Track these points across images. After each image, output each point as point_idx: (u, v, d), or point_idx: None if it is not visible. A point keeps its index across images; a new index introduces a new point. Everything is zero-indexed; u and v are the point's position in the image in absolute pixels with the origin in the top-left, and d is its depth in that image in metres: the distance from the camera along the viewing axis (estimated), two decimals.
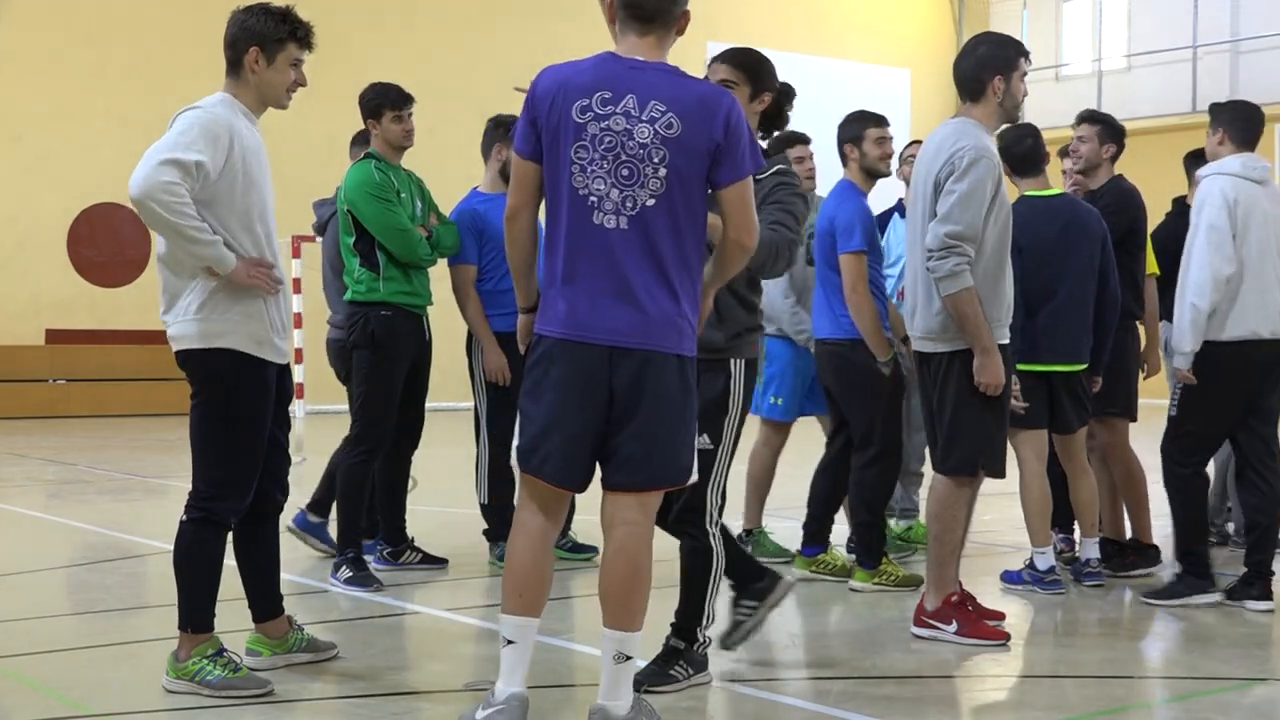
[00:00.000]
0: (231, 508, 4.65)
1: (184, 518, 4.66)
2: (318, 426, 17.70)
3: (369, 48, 21.04)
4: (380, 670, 5.06)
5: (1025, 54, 5.52)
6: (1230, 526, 7.78)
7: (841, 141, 6.65)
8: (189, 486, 4.71)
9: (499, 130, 6.93)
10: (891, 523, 7.57)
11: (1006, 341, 5.38)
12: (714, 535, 4.73)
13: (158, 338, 20.49)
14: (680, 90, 3.95)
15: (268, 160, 4.79)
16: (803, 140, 6.90)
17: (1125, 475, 6.87)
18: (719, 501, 4.71)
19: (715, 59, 4.90)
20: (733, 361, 4.67)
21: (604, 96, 3.94)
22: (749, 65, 4.85)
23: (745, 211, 3.99)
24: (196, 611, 4.66)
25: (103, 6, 20.03)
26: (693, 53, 27.04)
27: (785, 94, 5.05)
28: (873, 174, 6.60)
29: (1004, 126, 5.89)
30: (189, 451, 4.69)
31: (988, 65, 5.42)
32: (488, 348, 6.78)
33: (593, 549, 7.22)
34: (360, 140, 7.34)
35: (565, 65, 4.07)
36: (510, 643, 4.05)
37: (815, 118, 29.79)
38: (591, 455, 3.99)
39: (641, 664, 3.97)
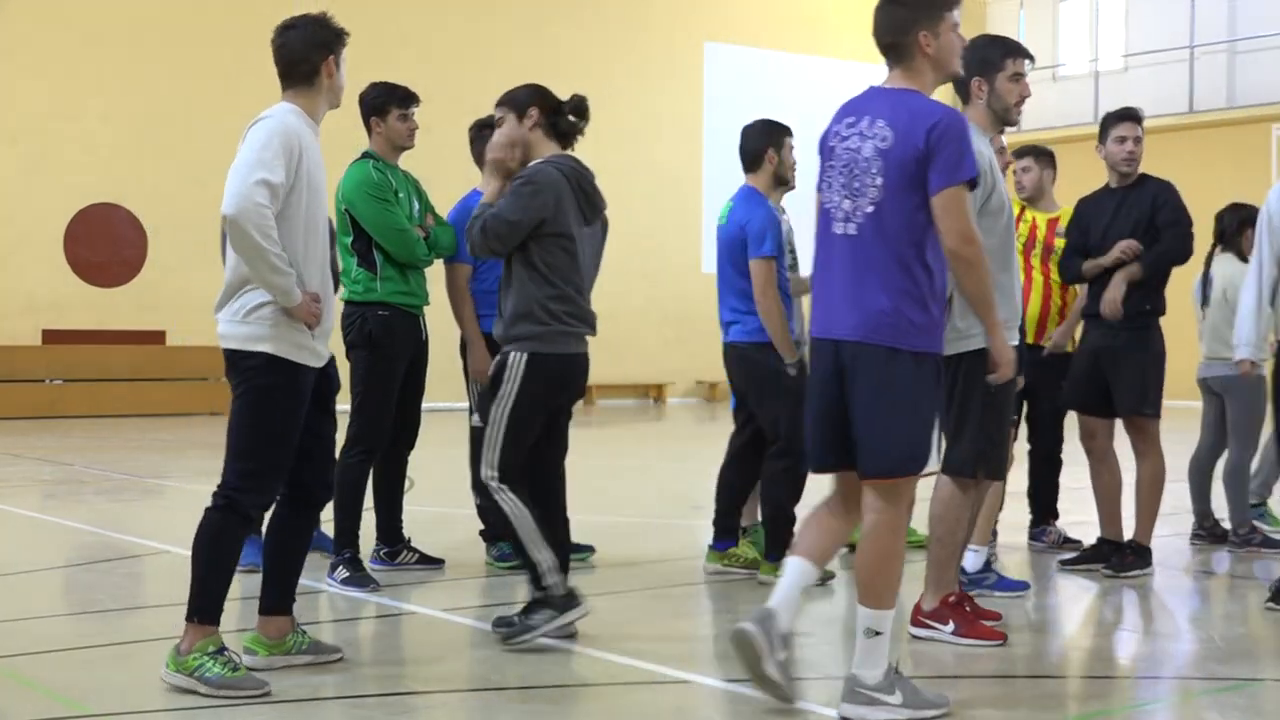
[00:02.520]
0: (255, 501, 4.75)
1: (209, 506, 4.74)
2: None
3: (367, 48, 21.02)
4: (377, 670, 5.05)
5: (1016, 54, 5.51)
6: (1227, 523, 7.79)
7: (760, 147, 6.77)
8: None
9: (486, 132, 6.95)
10: None
11: (1016, 343, 5.39)
12: (502, 499, 5.29)
13: (154, 338, 20.60)
14: (900, 108, 4.37)
15: (324, 172, 4.89)
16: (785, 132, 6.93)
17: (1152, 475, 6.85)
18: (491, 473, 5.28)
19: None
20: (511, 354, 5.27)
21: (850, 121, 4.44)
22: (505, 97, 5.47)
23: (947, 219, 4.30)
24: (207, 601, 4.68)
25: (100, 6, 20.02)
26: (692, 53, 27.23)
27: (567, 105, 5.52)
28: (781, 182, 6.81)
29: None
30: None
31: (968, 68, 5.43)
32: (475, 348, 6.78)
33: (589, 548, 7.23)
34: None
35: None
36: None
37: (813, 118, 29.58)
38: (836, 442, 4.39)
39: (885, 641, 4.29)
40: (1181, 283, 7.78)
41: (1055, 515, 7.68)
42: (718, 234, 6.78)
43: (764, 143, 6.76)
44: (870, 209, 4.31)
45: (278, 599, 4.95)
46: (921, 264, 4.30)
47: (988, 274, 4.54)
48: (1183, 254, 6.89)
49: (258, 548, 6.59)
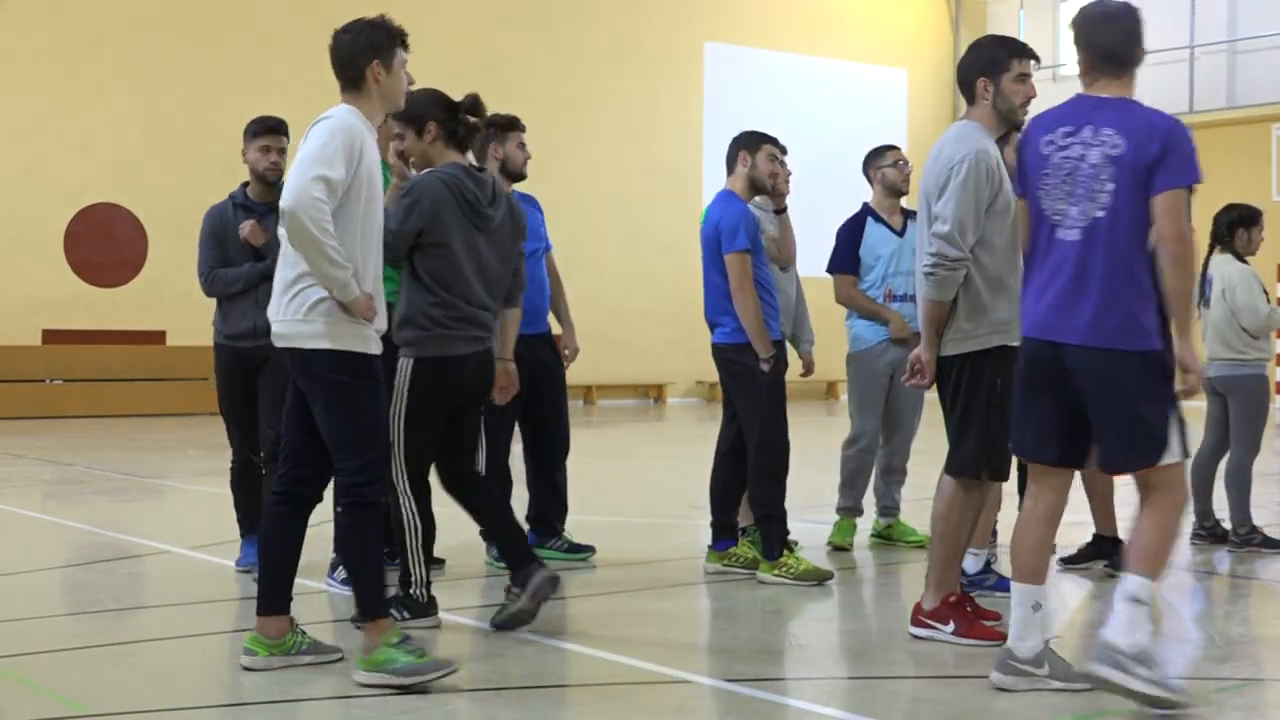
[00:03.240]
0: (379, 489, 4.83)
1: (338, 510, 4.81)
2: None
3: None
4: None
5: (1022, 55, 5.50)
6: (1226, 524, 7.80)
7: (734, 151, 6.88)
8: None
9: (491, 130, 6.94)
10: (874, 520, 7.75)
11: (1017, 344, 5.39)
12: (404, 505, 5.51)
13: (154, 338, 20.63)
14: (1130, 116, 4.57)
15: (380, 174, 4.94)
16: (772, 141, 6.94)
17: None
18: (399, 480, 5.48)
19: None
20: (400, 360, 5.45)
21: (1067, 130, 4.65)
22: (401, 115, 5.46)
23: (1168, 219, 4.47)
24: (373, 598, 4.78)
25: (99, 7, 20.03)
26: (692, 53, 27.23)
27: (463, 106, 5.72)
28: (756, 187, 6.87)
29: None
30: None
31: (974, 68, 5.45)
32: None
33: (589, 548, 7.23)
34: None
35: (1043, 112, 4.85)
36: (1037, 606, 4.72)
37: (813, 118, 29.80)
38: (1057, 438, 4.69)
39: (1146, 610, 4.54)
40: None
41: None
42: (700, 238, 6.82)
43: (738, 147, 6.88)
44: (1100, 214, 4.53)
45: (275, 599, 4.94)
46: (1146, 266, 4.53)
47: (1194, 272, 4.73)
48: None
49: (251, 550, 6.63)
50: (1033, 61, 5.56)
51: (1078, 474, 7.17)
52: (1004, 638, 5.34)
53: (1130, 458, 4.58)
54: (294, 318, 4.74)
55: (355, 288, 4.67)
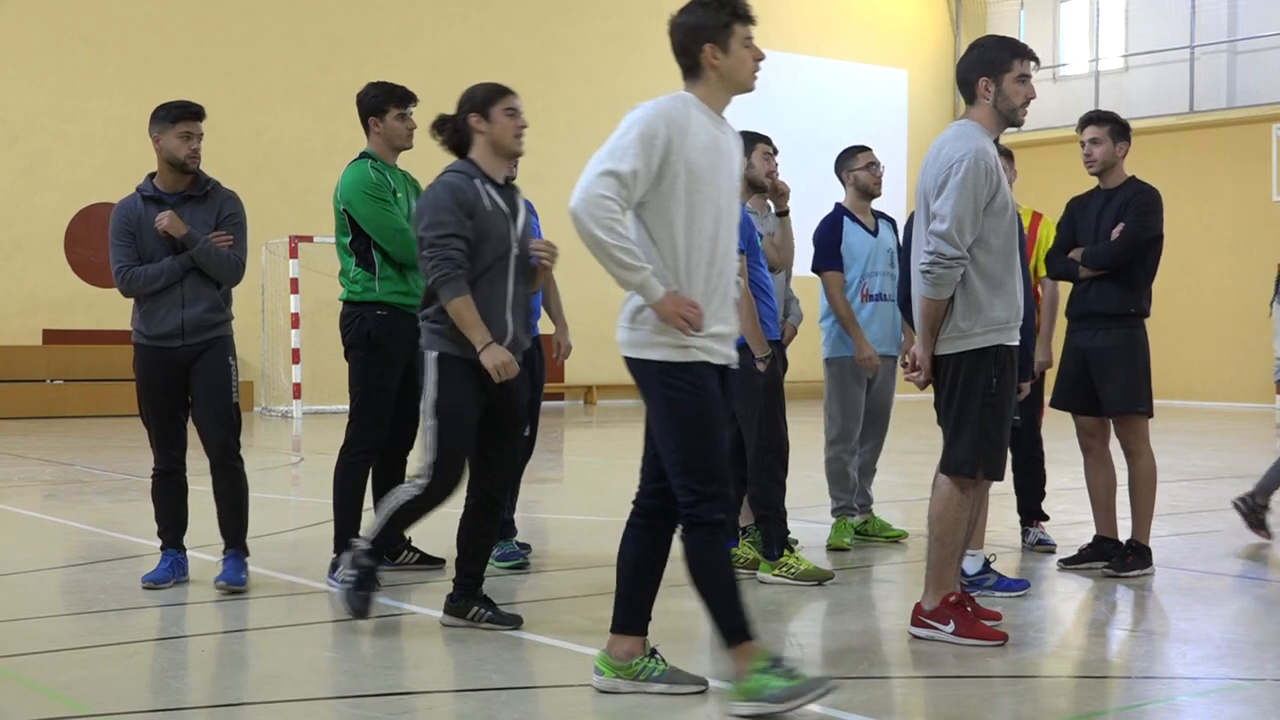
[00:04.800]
0: (718, 506, 4.45)
1: (683, 534, 4.50)
2: (316, 427, 17.70)
3: (368, 48, 21.05)
4: (377, 670, 5.06)
5: (1023, 55, 5.50)
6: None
7: None
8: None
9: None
10: (851, 518, 7.79)
11: (1015, 344, 5.40)
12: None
13: None
14: None
15: (733, 164, 4.60)
16: (764, 140, 6.94)
17: (1144, 474, 6.86)
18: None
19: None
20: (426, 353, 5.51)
21: None
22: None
23: None
24: (733, 621, 4.44)
25: (99, 6, 20.02)
26: None
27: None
28: (754, 186, 6.92)
29: None
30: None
31: (975, 68, 5.45)
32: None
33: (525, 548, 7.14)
34: None
35: None
36: None
37: (813, 118, 29.80)
38: None
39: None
40: (1175, 289, 7.77)
41: (1042, 517, 7.67)
42: None
43: None
44: None
45: (625, 617, 4.66)
46: None
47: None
48: (1118, 255, 6.80)
49: (169, 566, 6.44)
50: (1033, 63, 5.56)
51: (1080, 474, 7.21)
52: (1004, 638, 5.35)
53: None
54: (623, 324, 4.50)
55: (657, 288, 4.34)
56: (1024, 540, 7.64)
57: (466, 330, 5.40)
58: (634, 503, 4.68)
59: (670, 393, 4.44)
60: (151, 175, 6.48)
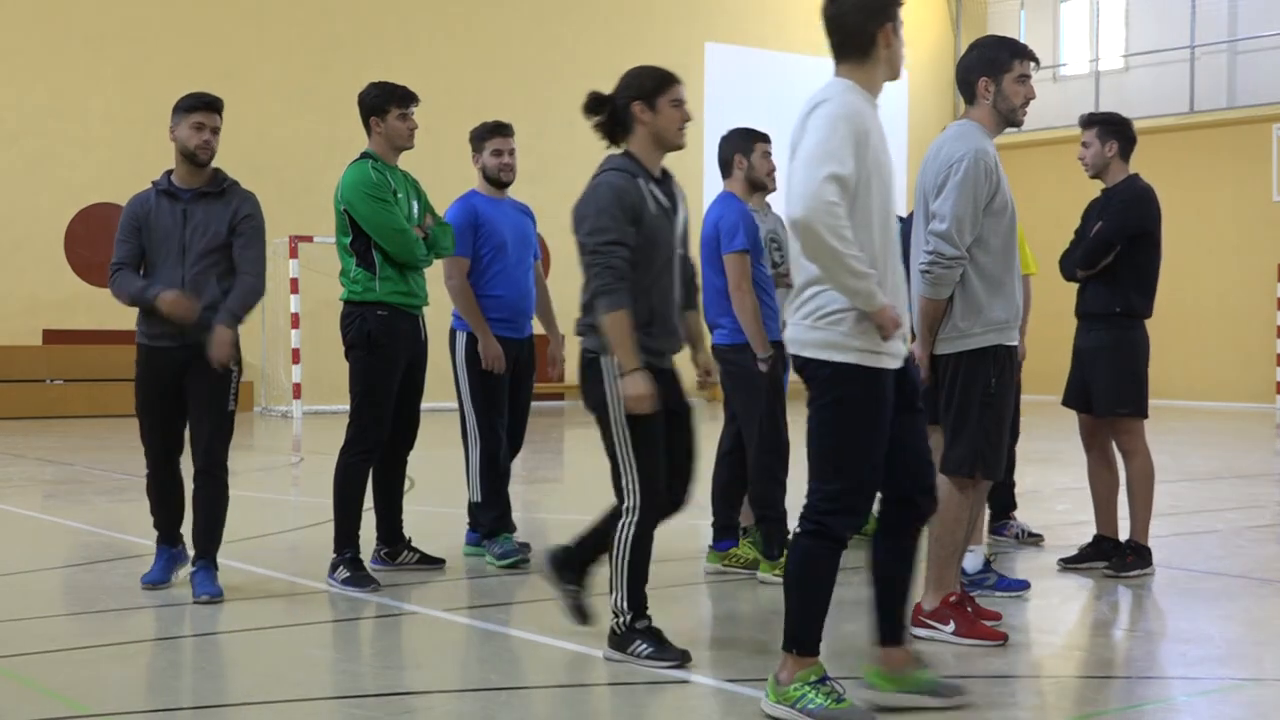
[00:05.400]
0: (846, 523, 4.35)
1: (798, 531, 4.40)
2: (316, 427, 17.70)
3: (367, 48, 21.04)
4: (377, 670, 5.06)
5: (1023, 56, 5.50)
6: None
7: (730, 153, 6.85)
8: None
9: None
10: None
11: (1015, 344, 5.40)
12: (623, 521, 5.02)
13: None
14: None
15: (890, 155, 4.39)
16: (763, 138, 6.95)
17: (1140, 474, 6.87)
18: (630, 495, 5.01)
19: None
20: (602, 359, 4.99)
21: None
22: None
23: None
24: (805, 632, 4.35)
25: (99, 6, 20.02)
26: (692, 53, 27.13)
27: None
28: (756, 186, 6.87)
29: None
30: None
31: (975, 68, 5.46)
32: (484, 337, 6.92)
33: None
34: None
35: None
36: None
37: None
38: None
39: None
40: (1175, 288, 7.77)
41: (1013, 506, 7.89)
42: (700, 239, 6.83)
43: (732, 149, 6.86)
44: None
45: (888, 627, 4.52)
46: None
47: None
48: (1089, 254, 6.82)
49: (165, 563, 6.32)
50: (1033, 63, 5.57)
51: (1082, 474, 7.20)
52: (1005, 638, 5.35)
53: None
54: (802, 321, 4.32)
55: (880, 297, 4.18)
56: (1005, 533, 7.76)
57: (617, 348, 4.87)
58: (803, 514, 4.45)
59: (849, 396, 4.28)
60: (169, 172, 6.35)
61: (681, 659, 4.94)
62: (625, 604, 4.99)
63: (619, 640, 5.01)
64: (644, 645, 4.97)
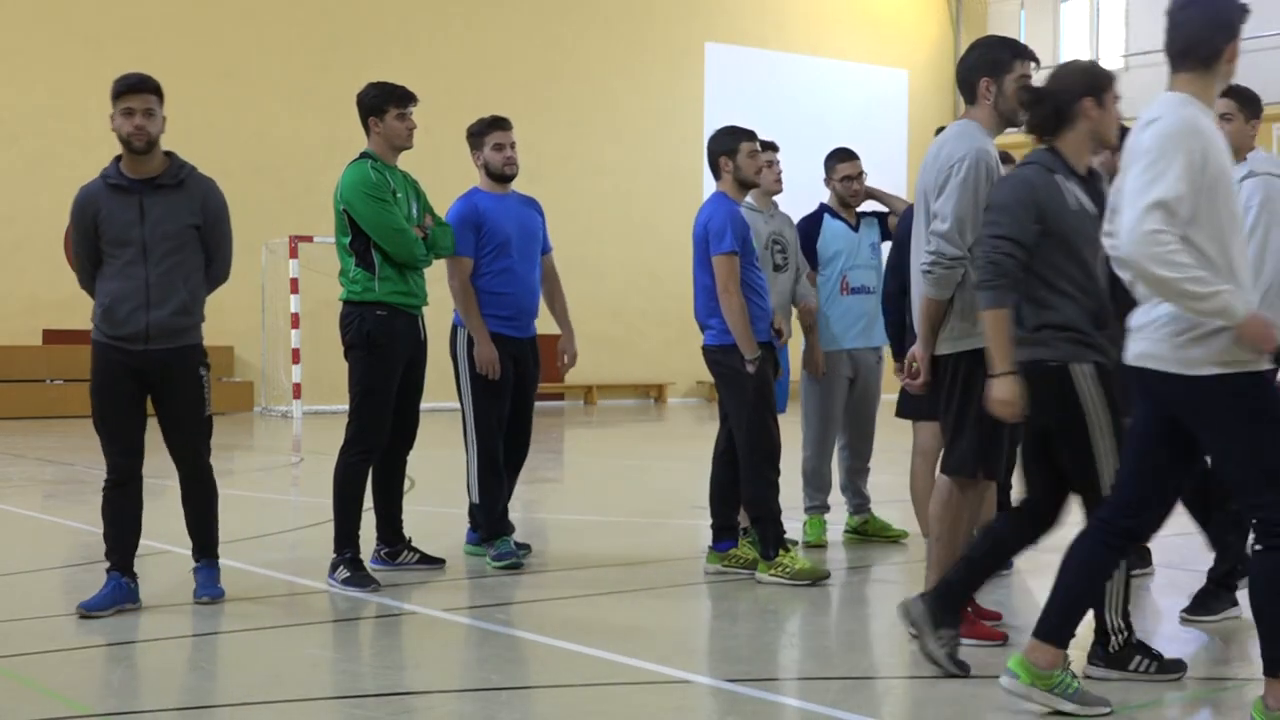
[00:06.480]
0: (1146, 527, 4.42)
1: (1256, 549, 4.25)
2: (316, 427, 17.70)
3: (367, 48, 21.04)
4: (377, 670, 5.06)
5: (1023, 56, 5.50)
6: None
7: (716, 154, 6.84)
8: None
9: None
10: (848, 517, 7.87)
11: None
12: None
13: None
14: None
15: (1229, 160, 4.25)
16: (749, 136, 6.94)
17: None
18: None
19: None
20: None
21: None
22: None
23: None
24: (1065, 628, 4.43)
25: (99, 6, 20.02)
26: (692, 53, 27.16)
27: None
28: (745, 185, 6.86)
29: None
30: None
31: (977, 68, 5.45)
32: (480, 341, 6.87)
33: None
34: None
35: None
36: None
37: (813, 118, 29.66)
38: None
39: None
40: None
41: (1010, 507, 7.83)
42: (692, 240, 6.83)
43: (718, 150, 6.84)
44: None
45: (1052, 625, 4.47)
46: None
47: None
48: None
49: (110, 591, 5.90)
50: (1033, 64, 5.57)
51: None
52: (1004, 638, 5.35)
53: None
54: (1158, 338, 4.17)
55: (1239, 306, 3.98)
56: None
57: (992, 345, 4.76)
58: (1102, 519, 4.46)
59: (1256, 405, 4.13)
60: (118, 159, 5.90)
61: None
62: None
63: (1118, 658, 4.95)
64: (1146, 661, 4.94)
